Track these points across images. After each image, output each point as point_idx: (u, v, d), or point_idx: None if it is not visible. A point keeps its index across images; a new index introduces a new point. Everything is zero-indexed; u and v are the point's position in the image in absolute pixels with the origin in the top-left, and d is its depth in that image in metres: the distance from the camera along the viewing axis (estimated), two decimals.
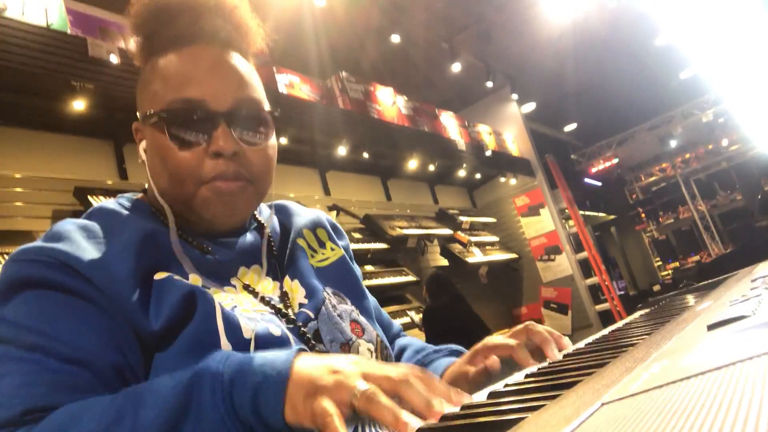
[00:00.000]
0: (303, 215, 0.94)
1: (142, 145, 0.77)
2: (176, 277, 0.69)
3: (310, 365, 0.52)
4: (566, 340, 0.78)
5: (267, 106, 0.78)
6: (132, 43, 0.80)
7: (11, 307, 0.62)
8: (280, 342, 0.70)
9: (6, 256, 2.19)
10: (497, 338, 0.79)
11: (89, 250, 0.66)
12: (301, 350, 0.55)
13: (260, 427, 0.51)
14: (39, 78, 2.29)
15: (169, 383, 0.54)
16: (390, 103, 4.65)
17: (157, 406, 0.52)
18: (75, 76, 2.38)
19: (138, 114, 0.78)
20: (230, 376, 0.52)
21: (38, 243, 0.67)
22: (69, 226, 0.70)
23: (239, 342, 0.66)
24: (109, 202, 0.77)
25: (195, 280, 0.72)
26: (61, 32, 2.44)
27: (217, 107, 0.72)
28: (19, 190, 2.52)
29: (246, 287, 0.76)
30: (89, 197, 2.56)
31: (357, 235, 4.07)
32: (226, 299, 0.71)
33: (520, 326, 0.79)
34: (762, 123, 7.84)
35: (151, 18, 0.76)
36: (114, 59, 2.52)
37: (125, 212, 0.75)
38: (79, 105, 2.50)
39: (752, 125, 8.31)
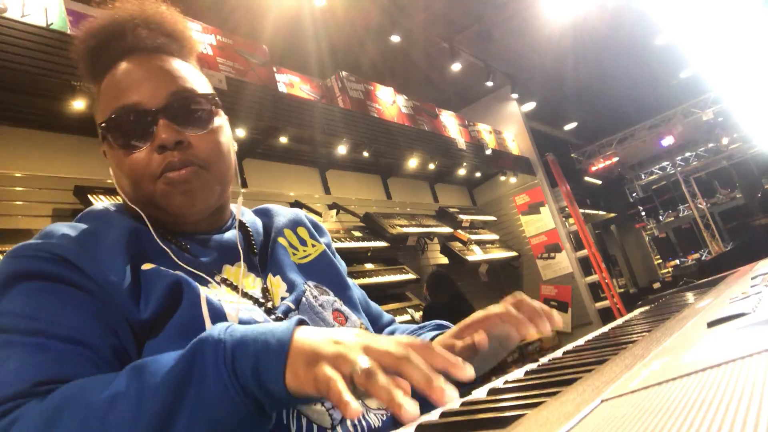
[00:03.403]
0: (284, 215, 0.97)
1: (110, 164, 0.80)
2: (162, 268, 0.71)
3: (311, 334, 0.53)
4: (556, 315, 0.74)
5: (207, 90, 0.81)
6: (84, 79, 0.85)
7: (8, 299, 0.64)
8: None
9: (5, 254, 2.19)
10: (485, 310, 0.76)
11: (82, 246, 0.69)
12: (301, 321, 0.56)
13: (262, 394, 0.52)
14: (39, 78, 2.29)
15: (171, 355, 0.55)
16: (390, 103, 4.65)
17: (161, 372, 0.53)
18: (75, 76, 2.37)
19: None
20: (232, 344, 0.53)
21: (34, 240, 0.70)
22: (60, 226, 0.73)
23: None
24: (97, 206, 0.81)
25: None
26: (61, 32, 2.43)
27: (152, 105, 0.75)
28: (19, 188, 2.52)
29: (225, 281, 0.78)
30: (89, 196, 2.55)
31: (357, 234, 4.07)
32: (210, 293, 0.72)
33: (508, 297, 0.75)
34: (762, 122, 7.83)
35: (87, 50, 0.81)
36: None
37: (112, 213, 0.78)
38: (79, 104, 2.50)
39: (752, 124, 8.31)
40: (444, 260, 5.11)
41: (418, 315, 4.02)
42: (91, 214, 0.78)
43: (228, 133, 0.83)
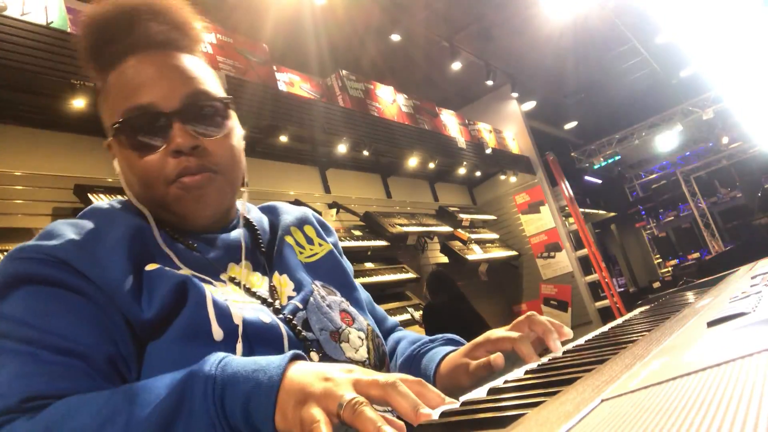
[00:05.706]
0: (291, 213, 0.96)
1: (116, 159, 0.79)
2: (167, 268, 0.70)
3: (302, 372, 0.51)
4: (567, 329, 0.78)
5: (220, 94, 0.79)
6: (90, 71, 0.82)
7: (9, 303, 0.64)
8: (270, 329, 0.71)
9: (6, 254, 2.19)
10: (499, 331, 0.79)
11: (83, 247, 0.68)
12: (296, 356, 0.55)
13: None
14: (39, 76, 2.29)
15: (164, 382, 0.54)
16: (390, 102, 4.65)
17: (151, 404, 0.52)
18: (75, 74, 2.37)
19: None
20: (223, 381, 0.52)
21: (34, 242, 0.69)
22: (62, 225, 0.71)
23: (230, 329, 0.67)
24: (102, 203, 0.80)
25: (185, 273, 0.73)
26: (61, 31, 2.43)
27: (167, 107, 0.73)
28: (19, 187, 2.52)
29: (232, 279, 0.77)
30: (89, 195, 2.55)
31: (357, 233, 4.07)
32: (216, 292, 0.72)
33: (521, 317, 0.80)
34: (762, 121, 7.83)
35: (92, 41, 0.78)
36: None
37: (117, 211, 0.77)
38: (79, 103, 2.49)
39: (752, 123, 8.30)
40: (444, 259, 5.11)
41: (417, 314, 4.02)
42: (95, 212, 0.77)
43: (239, 134, 0.82)
